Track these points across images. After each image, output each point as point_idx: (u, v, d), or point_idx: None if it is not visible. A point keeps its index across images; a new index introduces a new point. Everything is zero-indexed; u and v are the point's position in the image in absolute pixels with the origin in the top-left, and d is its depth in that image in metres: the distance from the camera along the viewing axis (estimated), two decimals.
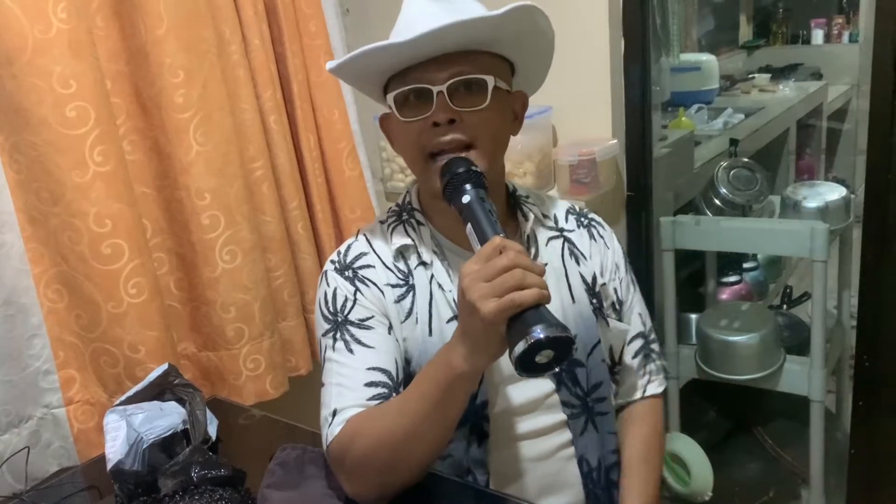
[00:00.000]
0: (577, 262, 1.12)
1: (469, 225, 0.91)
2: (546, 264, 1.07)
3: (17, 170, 1.35)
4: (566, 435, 1.09)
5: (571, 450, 1.10)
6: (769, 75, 4.09)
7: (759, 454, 2.38)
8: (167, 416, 1.11)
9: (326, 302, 1.05)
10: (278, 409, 1.52)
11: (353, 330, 1.02)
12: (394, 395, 0.99)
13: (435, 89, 0.96)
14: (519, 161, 1.78)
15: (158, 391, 1.21)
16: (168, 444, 1.09)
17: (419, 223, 1.08)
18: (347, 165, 1.85)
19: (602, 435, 1.11)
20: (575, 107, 1.85)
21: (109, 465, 1.04)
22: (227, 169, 1.55)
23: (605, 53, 1.80)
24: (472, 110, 0.97)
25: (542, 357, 0.77)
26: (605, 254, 1.17)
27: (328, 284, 1.06)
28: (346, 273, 1.06)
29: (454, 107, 0.96)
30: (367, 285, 1.05)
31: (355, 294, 1.04)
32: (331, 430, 0.97)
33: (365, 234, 1.11)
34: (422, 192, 1.10)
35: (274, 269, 1.70)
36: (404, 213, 1.10)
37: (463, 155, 0.98)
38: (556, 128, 1.89)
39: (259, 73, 1.65)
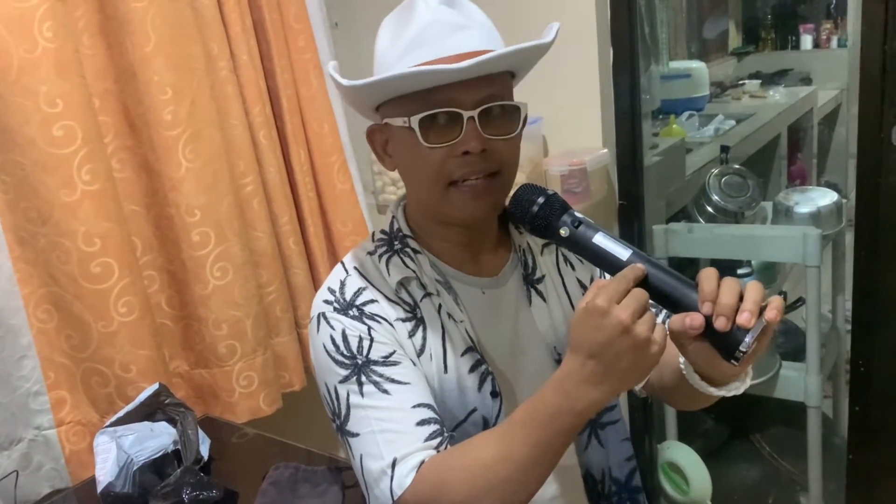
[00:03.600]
0: (573, 268, 1.09)
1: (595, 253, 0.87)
2: (544, 276, 1.05)
3: (5, 190, 1.34)
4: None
5: (576, 466, 1.08)
6: (759, 81, 4.11)
7: (757, 461, 2.38)
8: (158, 437, 1.10)
9: (336, 346, 0.94)
10: (272, 426, 1.51)
11: (380, 369, 0.92)
12: (444, 429, 0.92)
13: (466, 114, 0.88)
14: None
15: (149, 411, 1.20)
16: (159, 465, 1.08)
17: (415, 251, 1.00)
18: (338, 179, 1.85)
19: (608, 448, 1.08)
20: (565, 117, 1.85)
21: (100, 488, 1.03)
22: (217, 185, 1.54)
23: (595, 63, 1.80)
24: (503, 139, 0.91)
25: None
26: None
27: (332, 327, 0.95)
28: (351, 312, 0.95)
29: (485, 135, 0.89)
30: (378, 322, 0.95)
31: (370, 332, 0.94)
32: (397, 483, 0.87)
33: (356, 268, 1.00)
34: (421, 216, 1.01)
35: (266, 284, 1.69)
36: (396, 242, 1.01)
37: (533, 184, 0.93)
38: (546, 138, 1.89)
39: (248, 88, 1.65)
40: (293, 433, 1.40)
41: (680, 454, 2.10)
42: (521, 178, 1.77)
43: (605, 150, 1.83)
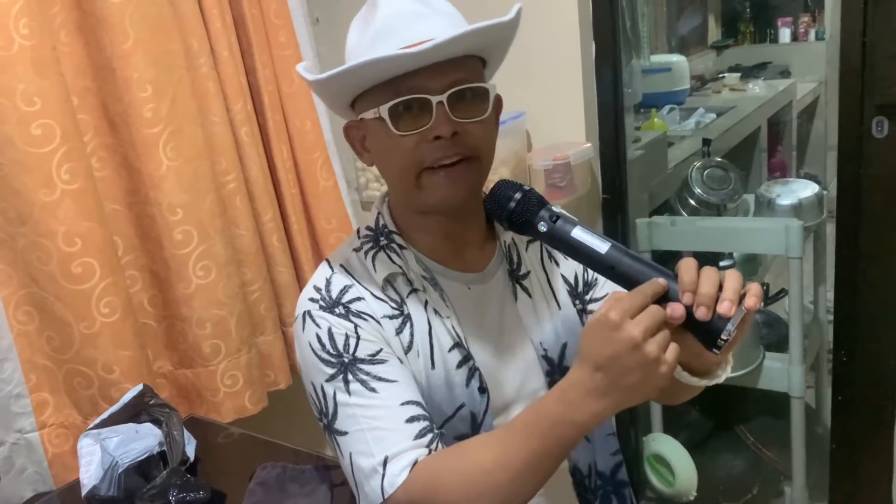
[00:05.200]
0: (558, 264, 1.09)
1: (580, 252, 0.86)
2: (529, 272, 1.05)
3: None
4: None
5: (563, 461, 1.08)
6: (739, 74, 4.13)
7: (742, 452, 2.39)
8: (143, 439, 1.09)
9: (322, 344, 0.93)
10: (258, 425, 1.50)
11: (367, 367, 0.92)
12: (433, 426, 0.91)
13: (434, 99, 0.88)
14: (494, 167, 1.76)
15: (134, 412, 1.19)
16: (145, 467, 1.07)
17: (401, 247, 0.99)
18: (322, 176, 1.84)
19: (595, 442, 1.09)
20: (548, 111, 1.85)
21: (84, 492, 1.02)
22: (199, 183, 1.53)
23: (577, 58, 1.80)
24: (473, 121, 0.91)
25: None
26: None
27: (318, 325, 0.94)
28: (337, 310, 0.95)
29: (455, 118, 0.89)
30: (364, 319, 0.94)
31: (356, 329, 0.93)
32: (389, 481, 0.87)
33: (341, 265, 0.99)
34: (402, 210, 1.01)
35: (249, 283, 1.68)
36: (381, 238, 1.00)
37: (510, 179, 0.93)
38: (530, 133, 1.89)
39: (229, 85, 1.63)
40: (279, 432, 1.39)
41: (665, 446, 2.11)
42: (504, 173, 1.78)
43: (589, 145, 1.84)
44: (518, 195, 0.90)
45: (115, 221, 1.51)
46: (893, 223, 1.65)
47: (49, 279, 1.35)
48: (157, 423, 1.15)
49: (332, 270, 0.99)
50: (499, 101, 1.02)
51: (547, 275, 1.07)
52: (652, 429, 2.18)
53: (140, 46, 1.44)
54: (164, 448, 1.10)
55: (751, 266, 2.83)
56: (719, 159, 2.43)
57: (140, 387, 1.19)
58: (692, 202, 2.30)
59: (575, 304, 1.08)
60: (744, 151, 3.53)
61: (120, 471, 1.02)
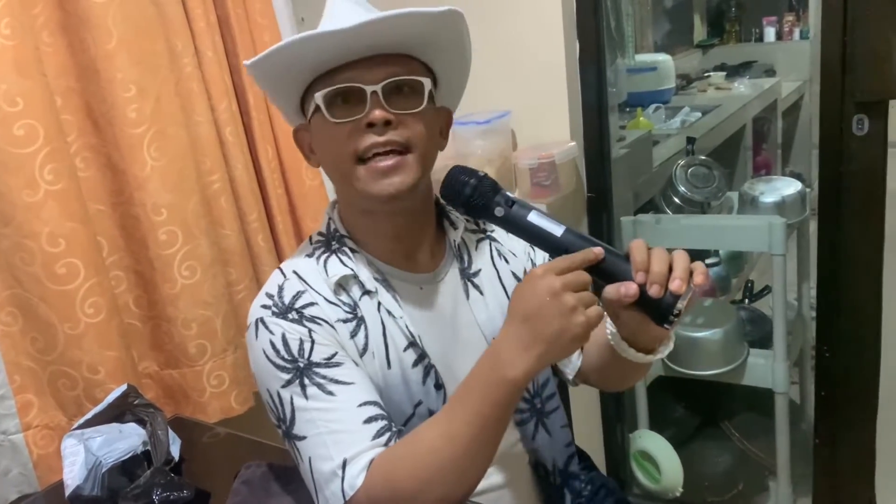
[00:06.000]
0: (507, 261, 1.11)
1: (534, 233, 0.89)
2: (480, 270, 1.06)
3: None
4: (514, 435, 1.08)
5: (524, 454, 1.09)
6: (724, 73, 4.16)
7: (728, 448, 2.41)
8: (127, 438, 1.09)
9: (276, 350, 0.93)
10: (243, 425, 1.50)
11: (323, 371, 0.92)
12: (391, 425, 0.93)
13: (368, 89, 0.91)
14: (479, 166, 1.77)
15: (118, 413, 1.18)
16: (128, 467, 1.07)
17: (353, 250, 1.01)
18: (307, 175, 1.84)
19: (553, 434, 1.11)
20: (533, 110, 1.86)
21: (67, 492, 1.02)
22: (184, 183, 1.53)
23: (561, 57, 1.81)
24: (408, 113, 0.93)
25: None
26: (524, 242, 1.15)
27: (270, 332, 0.94)
28: (290, 315, 0.95)
29: (390, 109, 0.92)
30: (318, 324, 0.95)
31: (310, 334, 0.94)
32: (348, 483, 0.88)
33: (294, 272, 1.00)
34: (351, 212, 1.03)
35: (235, 283, 1.68)
36: (333, 242, 1.02)
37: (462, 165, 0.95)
38: (515, 132, 1.90)
39: (213, 85, 1.63)
40: (265, 432, 1.39)
41: (651, 443, 2.12)
42: (490, 172, 1.78)
43: (574, 143, 1.85)
44: (473, 181, 0.91)
45: (100, 222, 1.51)
46: (874, 219, 1.67)
47: (33, 280, 1.34)
48: (141, 423, 1.15)
49: (285, 277, 1.00)
50: (448, 116, 1.06)
51: (497, 272, 1.09)
52: (638, 425, 2.19)
53: (124, 46, 1.43)
54: (149, 448, 1.11)
55: (736, 263, 2.85)
56: (703, 157, 2.46)
57: (124, 387, 1.19)
58: (677, 200, 2.32)
59: None
60: (729, 150, 3.56)
61: (103, 470, 1.02)
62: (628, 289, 0.82)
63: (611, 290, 0.84)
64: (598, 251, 0.84)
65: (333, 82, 0.92)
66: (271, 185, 1.78)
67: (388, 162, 0.93)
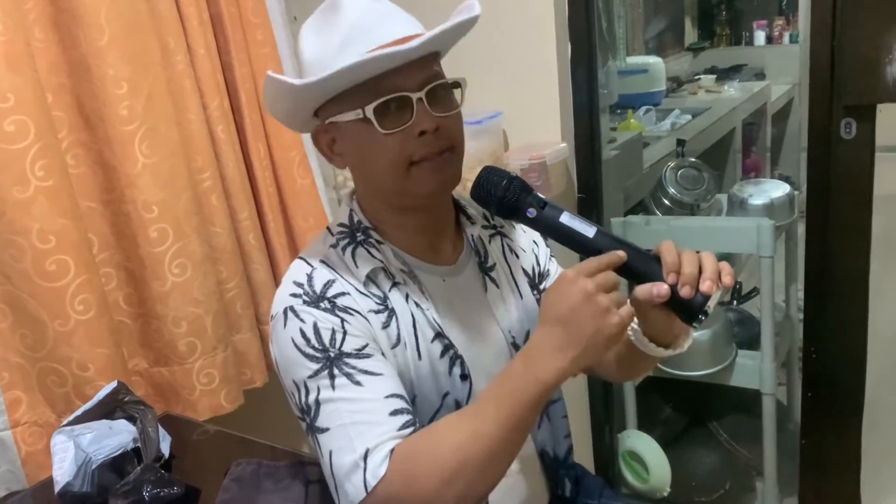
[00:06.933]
0: (517, 256, 1.13)
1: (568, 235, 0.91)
2: (495, 264, 1.08)
3: None
4: None
5: (530, 442, 1.11)
6: (714, 76, 4.18)
7: (715, 448, 2.43)
8: (117, 435, 1.09)
9: (307, 339, 0.92)
10: (233, 423, 1.50)
11: (353, 361, 0.91)
12: (415, 420, 0.91)
13: (414, 97, 0.92)
14: (471, 166, 1.77)
15: (108, 409, 1.18)
16: (118, 464, 1.07)
17: (378, 242, 1.01)
18: (299, 174, 1.84)
19: (555, 424, 1.13)
20: (525, 111, 1.86)
21: (57, 488, 1.01)
22: (175, 181, 1.52)
23: (553, 58, 1.82)
24: (449, 115, 0.95)
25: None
26: (529, 238, 1.17)
27: (302, 320, 0.93)
28: (322, 304, 0.94)
29: (434, 113, 0.93)
30: (350, 314, 0.94)
31: (343, 324, 0.93)
32: (370, 474, 0.86)
33: (322, 261, 0.99)
34: (377, 206, 1.02)
35: (226, 281, 1.67)
36: (358, 234, 1.01)
37: (492, 165, 0.97)
38: (506, 132, 1.90)
39: (205, 82, 1.63)
40: (255, 429, 1.39)
41: (640, 443, 2.14)
42: None
43: (564, 144, 1.86)
44: (504, 181, 0.94)
45: (90, 219, 1.50)
46: (860, 222, 1.68)
47: (22, 276, 1.34)
48: (131, 419, 1.15)
49: (312, 266, 0.99)
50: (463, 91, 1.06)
51: (509, 266, 1.12)
52: (626, 426, 2.20)
53: (115, 43, 1.43)
54: (139, 444, 1.10)
55: None
56: (693, 160, 2.47)
57: (114, 384, 1.19)
58: (666, 202, 2.33)
59: (534, 294, 1.13)
60: (719, 152, 3.57)
61: (93, 467, 1.02)
62: (660, 289, 0.85)
63: (643, 290, 0.87)
64: (622, 254, 0.86)
65: (378, 92, 0.91)
66: (263, 183, 1.78)
67: (440, 161, 0.95)
